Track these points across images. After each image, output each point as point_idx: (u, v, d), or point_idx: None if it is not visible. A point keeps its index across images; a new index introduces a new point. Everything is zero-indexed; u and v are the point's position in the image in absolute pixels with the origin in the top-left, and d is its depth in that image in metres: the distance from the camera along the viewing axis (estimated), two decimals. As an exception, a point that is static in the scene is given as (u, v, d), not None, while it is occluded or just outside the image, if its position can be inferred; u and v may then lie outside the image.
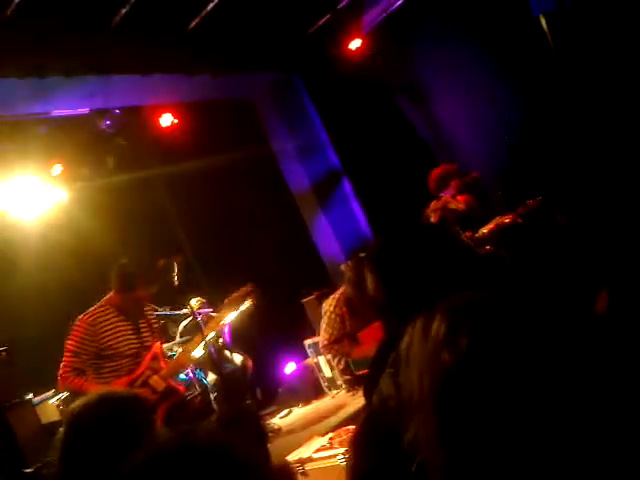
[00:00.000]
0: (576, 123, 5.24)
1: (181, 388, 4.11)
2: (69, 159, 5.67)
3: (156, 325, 4.07)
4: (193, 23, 5.50)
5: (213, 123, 6.44)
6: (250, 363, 4.83)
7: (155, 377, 3.85)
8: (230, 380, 4.07)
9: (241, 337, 4.89)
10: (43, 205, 5.29)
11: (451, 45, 6.08)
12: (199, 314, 4.60)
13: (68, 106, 5.51)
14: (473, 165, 5.94)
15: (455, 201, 5.13)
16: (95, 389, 3.69)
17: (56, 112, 5.51)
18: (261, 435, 3.87)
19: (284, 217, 7.15)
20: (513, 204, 4.71)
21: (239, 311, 4.33)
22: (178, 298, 4.86)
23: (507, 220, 4.44)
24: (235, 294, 4.32)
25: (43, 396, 4.91)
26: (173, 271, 4.30)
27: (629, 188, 4.56)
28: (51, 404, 4.90)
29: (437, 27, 6.13)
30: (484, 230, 4.75)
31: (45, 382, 4.72)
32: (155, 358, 3.84)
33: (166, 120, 5.94)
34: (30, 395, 4.73)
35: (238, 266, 6.20)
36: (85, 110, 5.66)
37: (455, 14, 5.94)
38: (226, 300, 4.29)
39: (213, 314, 4.69)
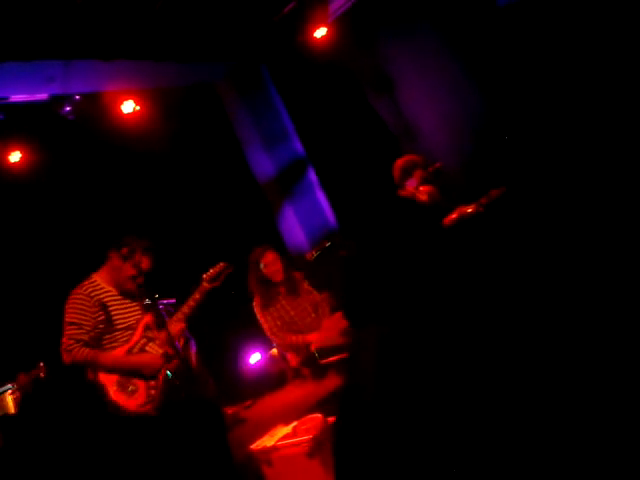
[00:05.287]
0: (541, 113, 5.30)
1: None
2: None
3: (148, 302, 4.02)
4: (157, 7, 5.39)
5: (177, 110, 6.34)
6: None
7: (151, 344, 3.87)
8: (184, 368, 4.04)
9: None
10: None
11: (417, 34, 6.08)
12: (162, 304, 4.52)
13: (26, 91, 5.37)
14: (438, 155, 5.96)
15: (418, 192, 5.14)
16: (101, 358, 3.67)
17: (14, 98, 5.37)
18: (222, 425, 3.86)
19: (249, 205, 7.10)
20: (476, 194, 4.73)
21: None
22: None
23: (470, 210, 4.46)
24: (211, 271, 4.27)
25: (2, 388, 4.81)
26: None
27: (593, 177, 4.62)
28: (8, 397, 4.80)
29: (403, 16, 6.12)
30: (446, 220, 4.76)
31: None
32: (148, 328, 3.84)
33: (128, 107, 5.83)
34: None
35: (202, 254, 6.13)
36: (44, 96, 5.53)
37: (421, 3, 5.93)
38: (204, 275, 4.23)
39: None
